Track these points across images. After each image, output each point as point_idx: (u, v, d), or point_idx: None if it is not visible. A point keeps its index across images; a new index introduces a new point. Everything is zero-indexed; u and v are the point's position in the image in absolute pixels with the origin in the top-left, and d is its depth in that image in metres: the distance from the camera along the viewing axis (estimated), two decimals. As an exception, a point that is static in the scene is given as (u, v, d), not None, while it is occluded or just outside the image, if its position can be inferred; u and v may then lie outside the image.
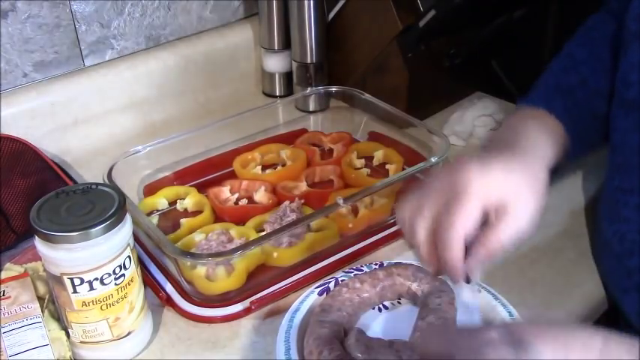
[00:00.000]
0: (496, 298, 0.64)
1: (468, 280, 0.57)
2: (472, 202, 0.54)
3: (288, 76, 1.07)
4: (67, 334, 0.60)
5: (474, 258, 0.55)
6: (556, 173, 0.64)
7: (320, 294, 0.65)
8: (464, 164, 0.56)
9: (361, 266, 0.68)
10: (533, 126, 0.65)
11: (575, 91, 0.70)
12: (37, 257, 0.65)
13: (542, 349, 0.41)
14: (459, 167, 0.56)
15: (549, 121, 0.67)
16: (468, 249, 0.55)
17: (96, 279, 0.57)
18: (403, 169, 0.85)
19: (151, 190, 0.83)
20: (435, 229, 0.56)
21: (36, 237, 0.56)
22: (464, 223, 0.54)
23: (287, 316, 0.62)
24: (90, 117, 0.95)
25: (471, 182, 0.55)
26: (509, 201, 0.55)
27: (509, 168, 0.57)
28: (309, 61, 1.01)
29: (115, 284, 0.58)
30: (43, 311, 0.60)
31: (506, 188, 0.56)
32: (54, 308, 0.62)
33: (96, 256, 0.56)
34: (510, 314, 0.61)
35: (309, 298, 0.64)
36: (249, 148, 0.89)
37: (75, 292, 0.57)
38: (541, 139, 0.63)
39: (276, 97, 1.09)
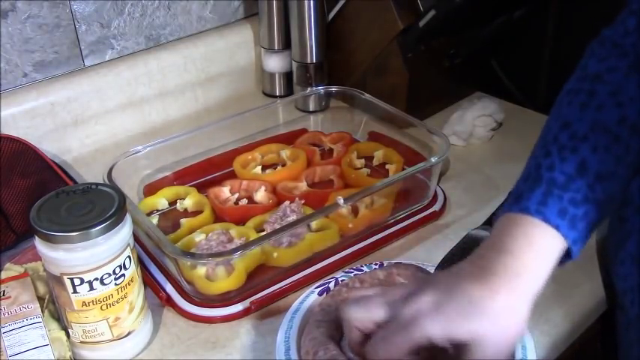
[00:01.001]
0: None
1: None
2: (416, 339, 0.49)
3: (288, 76, 1.07)
4: (67, 334, 0.60)
5: None
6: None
7: (320, 294, 0.65)
8: (427, 290, 0.51)
9: (361, 266, 0.68)
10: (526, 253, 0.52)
11: (575, 181, 0.54)
12: (37, 257, 0.65)
13: None
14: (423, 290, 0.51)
15: (539, 230, 0.53)
16: None
17: (96, 279, 0.57)
18: (403, 169, 0.85)
19: (150, 190, 0.83)
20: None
21: (36, 237, 0.56)
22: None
23: (287, 316, 0.62)
24: (90, 117, 0.95)
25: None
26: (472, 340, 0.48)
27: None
28: (309, 61, 1.01)
29: (115, 284, 0.58)
30: (43, 311, 0.60)
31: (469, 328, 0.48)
32: (54, 308, 0.62)
33: (96, 256, 0.56)
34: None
35: (309, 298, 0.64)
36: (249, 148, 0.89)
37: (75, 292, 0.57)
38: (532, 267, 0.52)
39: (276, 97, 1.09)
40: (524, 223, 0.52)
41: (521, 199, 0.54)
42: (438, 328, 0.48)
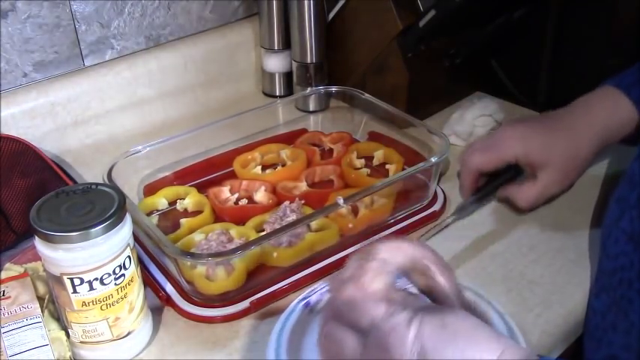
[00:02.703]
0: (478, 295, 0.61)
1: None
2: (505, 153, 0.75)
3: (288, 76, 1.07)
4: (67, 334, 0.60)
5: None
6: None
7: (306, 306, 0.62)
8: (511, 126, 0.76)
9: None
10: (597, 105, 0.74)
11: None
12: (37, 257, 0.65)
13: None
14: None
15: (620, 100, 0.73)
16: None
17: (96, 279, 0.57)
18: (403, 169, 0.85)
19: (150, 190, 0.83)
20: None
21: (36, 237, 0.56)
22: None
23: (274, 334, 0.58)
24: (90, 117, 0.95)
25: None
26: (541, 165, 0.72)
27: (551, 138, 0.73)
28: (309, 61, 1.01)
29: (115, 284, 0.58)
30: (43, 311, 0.60)
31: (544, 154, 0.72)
32: (54, 308, 0.62)
33: (96, 256, 0.56)
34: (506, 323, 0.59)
35: (294, 313, 0.61)
36: (249, 148, 0.89)
37: (75, 292, 0.57)
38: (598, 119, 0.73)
39: (276, 97, 1.09)
40: (611, 93, 0.73)
41: (617, 78, 0.74)
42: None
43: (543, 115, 0.80)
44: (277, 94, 1.09)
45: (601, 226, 0.69)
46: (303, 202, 0.79)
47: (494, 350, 0.39)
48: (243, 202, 0.82)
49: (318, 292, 0.63)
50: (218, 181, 0.84)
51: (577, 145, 0.73)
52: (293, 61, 1.03)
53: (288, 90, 1.08)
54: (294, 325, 0.60)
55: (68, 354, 0.60)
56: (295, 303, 0.62)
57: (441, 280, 0.47)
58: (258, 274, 0.71)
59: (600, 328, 0.62)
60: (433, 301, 0.48)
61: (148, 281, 0.70)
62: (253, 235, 0.73)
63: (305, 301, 0.62)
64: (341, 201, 0.72)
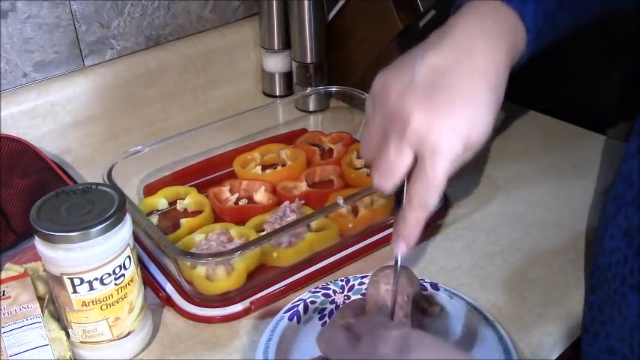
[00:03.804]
0: (468, 303, 0.64)
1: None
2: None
3: (288, 76, 1.07)
4: (67, 334, 0.60)
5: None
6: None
7: (290, 319, 0.63)
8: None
9: (327, 284, 0.67)
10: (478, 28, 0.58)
11: None
12: (37, 257, 0.65)
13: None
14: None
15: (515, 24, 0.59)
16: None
17: (96, 279, 0.57)
18: (403, 169, 0.85)
19: (150, 190, 0.83)
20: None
21: (36, 237, 0.56)
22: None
23: (260, 347, 0.60)
24: (90, 117, 0.95)
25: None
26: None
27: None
28: (309, 61, 1.01)
29: (115, 284, 0.58)
30: (43, 311, 0.60)
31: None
32: (54, 308, 0.62)
33: (96, 256, 0.56)
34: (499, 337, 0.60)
35: (280, 325, 0.62)
36: (249, 148, 0.89)
37: (75, 292, 0.57)
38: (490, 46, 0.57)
39: (276, 97, 1.09)
40: (503, 13, 0.58)
41: None
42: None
43: (423, 67, 0.56)
44: (277, 94, 1.09)
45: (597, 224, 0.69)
46: (303, 202, 0.79)
47: None
48: (243, 202, 0.82)
49: (305, 301, 0.64)
50: (218, 181, 0.84)
51: (498, 101, 0.57)
52: (293, 61, 1.03)
53: (288, 90, 1.08)
54: (280, 336, 0.60)
55: (68, 354, 0.60)
56: (281, 314, 0.62)
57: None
58: (258, 274, 0.71)
59: (598, 321, 0.62)
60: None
61: (148, 281, 0.70)
62: (253, 235, 0.73)
63: (290, 312, 0.63)
64: (341, 201, 0.72)
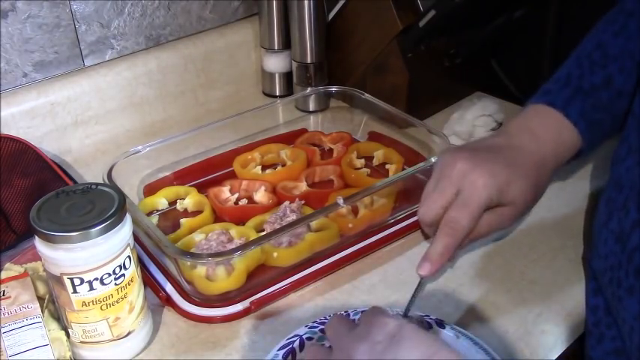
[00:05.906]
0: (475, 344, 0.59)
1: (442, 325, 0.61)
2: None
3: (288, 76, 1.07)
4: (67, 334, 0.60)
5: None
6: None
7: (284, 356, 0.58)
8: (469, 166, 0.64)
9: (325, 317, 0.62)
10: (539, 127, 0.68)
11: (599, 91, 0.67)
12: (37, 257, 0.65)
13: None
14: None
15: (561, 122, 0.68)
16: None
17: (96, 279, 0.57)
18: (403, 169, 0.85)
19: (151, 190, 0.83)
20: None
21: (36, 237, 0.56)
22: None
23: None
24: (90, 117, 0.95)
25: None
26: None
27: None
28: (309, 61, 1.01)
29: (115, 284, 0.58)
30: (43, 311, 0.60)
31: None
32: (54, 308, 0.62)
33: (96, 256, 0.56)
34: None
35: None
36: (249, 148, 0.89)
37: (75, 292, 0.57)
38: (545, 140, 0.68)
39: (276, 97, 1.09)
40: (548, 113, 0.67)
41: (549, 95, 0.68)
42: None
43: (481, 144, 0.68)
44: (277, 94, 1.09)
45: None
46: (303, 202, 0.79)
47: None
48: (243, 202, 0.82)
49: (301, 337, 0.61)
50: (218, 181, 0.84)
51: (537, 182, 0.67)
52: (293, 61, 1.03)
53: (288, 90, 1.08)
54: None
55: (68, 354, 0.60)
56: (275, 351, 0.59)
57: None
58: (258, 274, 0.71)
59: (603, 324, 0.63)
60: None
61: (148, 281, 0.70)
62: (253, 235, 0.73)
63: (285, 349, 0.59)
64: (341, 201, 0.72)
